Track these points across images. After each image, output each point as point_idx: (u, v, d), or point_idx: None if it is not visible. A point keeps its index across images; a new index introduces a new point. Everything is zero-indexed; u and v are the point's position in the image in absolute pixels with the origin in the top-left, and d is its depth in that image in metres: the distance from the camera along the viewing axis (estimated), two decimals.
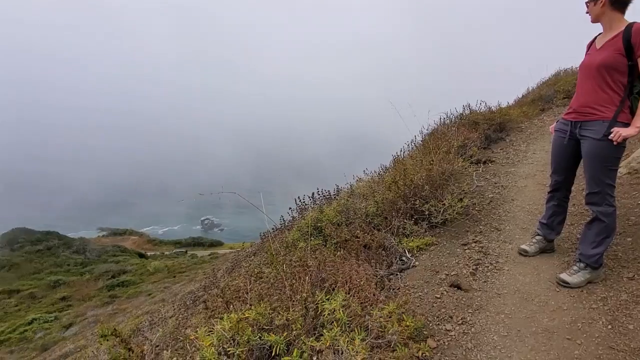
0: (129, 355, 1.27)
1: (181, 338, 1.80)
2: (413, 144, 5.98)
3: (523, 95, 10.25)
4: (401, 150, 5.93)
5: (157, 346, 1.86)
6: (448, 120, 6.60)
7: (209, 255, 42.72)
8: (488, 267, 2.94)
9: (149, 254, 46.36)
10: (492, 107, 7.38)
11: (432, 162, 3.92)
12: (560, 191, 2.89)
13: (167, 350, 1.56)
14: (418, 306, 2.53)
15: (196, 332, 1.63)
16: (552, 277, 2.69)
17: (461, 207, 3.53)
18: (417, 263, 3.07)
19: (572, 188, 2.92)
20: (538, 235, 3.03)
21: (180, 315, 3.32)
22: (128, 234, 58.45)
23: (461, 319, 2.37)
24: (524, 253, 3.01)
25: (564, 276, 2.59)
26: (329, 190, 4.63)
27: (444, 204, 3.52)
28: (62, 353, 11.43)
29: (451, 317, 2.38)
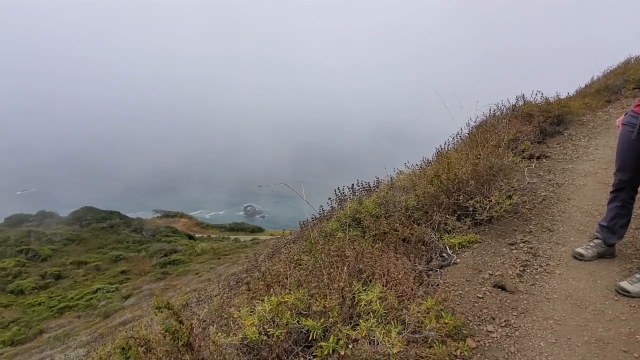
0: (180, 328, 1.38)
1: (225, 316, 1.90)
2: (458, 137, 5.71)
3: (586, 85, 9.32)
4: (445, 143, 5.69)
5: (204, 321, 1.99)
6: (498, 112, 6.20)
7: (251, 240, 44.47)
8: (537, 269, 2.76)
9: (197, 235, 49.28)
10: (550, 98, 6.80)
11: (479, 156, 3.72)
12: (624, 191, 2.62)
13: (213, 326, 1.66)
14: (458, 304, 2.45)
15: (239, 311, 1.71)
16: (611, 285, 2.47)
17: (510, 204, 3.33)
18: (458, 260, 2.97)
19: (639, 188, 2.64)
20: (597, 238, 2.79)
21: (225, 295, 3.52)
22: (179, 217, 62.42)
23: (504, 321, 2.26)
24: (579, 257, 2.78)
25: (625, 284, 2.37)
26: (368, 182, 4.59)
27: (490, 201, 3.35)
28: (121, 321, 12.60)
29: (493, 319, 2.28)
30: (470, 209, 3.40)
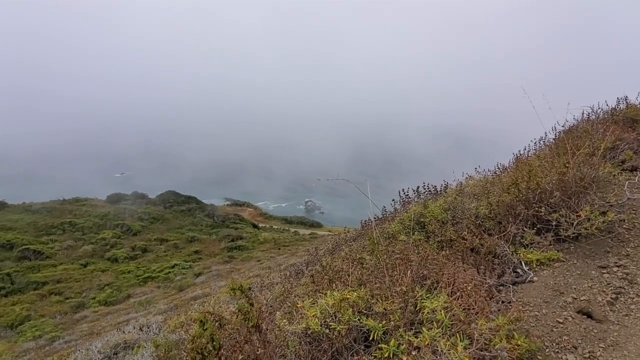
0: (250, 310, 1.46)
1: (289, 304, 1.97)
2: (542, 142, 5.14)
3: None
4: (525, 149, 5.17)
5: (271, 306, 2.08)
6: (594, 116, 5.43)
7: (309, 234, 45.47)
8: (633, 298, 2.38)
9: (260, 225, 51.91)
10: None
11: (567, 165, 3.30)
12: None
13: (279, 312, 1.74)
14: (533, 326, 2.22)
15: (302, 302, 1.76)
16: None
17: (603, 222, 2.91)
18: (535, 278, 2.68)
19: None
20: None
21: (287, 284, 3.66)
22: (246, 206, 66.35)
23: (589, 352, 1.99)
24: None
25: None
26: (435, 186, 4.37)
27: (579, 216, 2.96)
28: (193, 295, 13.84)
29: (575, 348, 2.02)
30: (553, 223, 3.04)
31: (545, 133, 5.28)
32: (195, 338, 1.49)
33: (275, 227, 52.39)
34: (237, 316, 1.50)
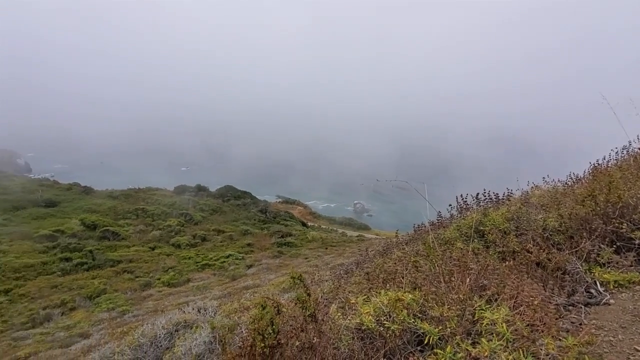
0: (308, 299, 1.52)
1: (342, 300, 2.00)
2: (625, 152, 4.58)
3: None
4: (604, 159, 4.64)
5: (326, 299, 2.13)
6: None
7: (357, 236, 45.14)
8: None
9: (309, 224, 52.75)
10: None
11: None
12: None
13: (334, 305, 1.77)
14: (607, 352, 1.99)
15: (356, 298, 1.78)
16: None
17: None
18: (612, 301, 2.40)
19: None
20: None
21: (336, 282, 3.71)
22: (296, 204, 67.85)
23: None
24: None
25: None
26: (497, 194, 4.10)
27: None
28: (244, 285, 14.53)
29: None
30: (637, 241, 2.70)
31: (629, 142, 4.70)
32: (256, 320, 1.58)
33: (324, 226, 52.85)
34: (295, 304, 1.57)
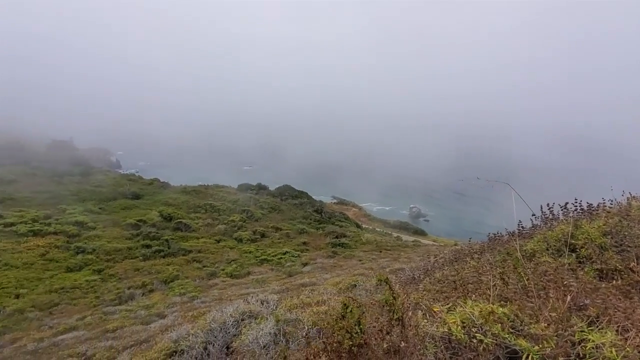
0: (394, 302, 1.51)
1: (424, 306, 1.94)
2: None
3: None
4: None
5: (409, 304, 2.10)
6: None
7: (413, 241, 43.57)
8: None
9: (363, 226, 52.27)
10: None
11: None
12: None
13: (420, 311, 1.74)
14: None
15: (440, 306, 1.72)
16: None
17: None
18: None
19: None
20: None
21: (404, 288, 3.62)
22: (351, 205, 67.72)
23: None
24: None
25: None
26: (590, 204, 3.66)
27: None
28: (301, 282, 14.88)
29: None
30: None
31: None
32: (339, 318, 1.60)
33: (378, 229, 51.99)
34: (382, 307, 1.56)
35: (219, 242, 28.63)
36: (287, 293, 11.38)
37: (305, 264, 24.95)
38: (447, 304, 1.85)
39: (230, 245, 28.41)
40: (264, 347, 5.20)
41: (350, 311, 1.63)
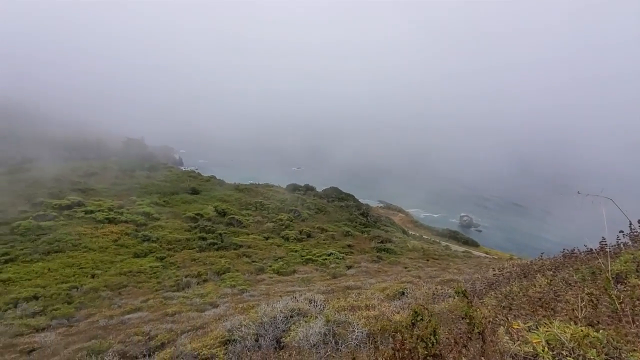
0: (475, 315, 1.43)
1: (501, 322, 1.82)
2: None
3: None
4: None
5: (490, 321, 1.99)
6: None
7: (463, 251, 41.22)
8: None
9: (410, 232, 50.65)
10: None
11: None
12: None
13: (502, 328, 1.63)
14: None
15: (521, 323, 1.60)
16: None
17: None
18: None
19: None
20: None
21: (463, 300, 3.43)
22: (397, 211, 66.03)
23: None
24: None
25: None
26: None
27: None
28: (346, 285, 14.82)
29: None
30: None
31: None
32: (415, 326, 1.56)
33: (425, 236, 50.08)
34: (453, 317, 1.50)
35: (267, 239, 29.60)
36: (333, 294, 11.39)
37: (349, 267, 24.81)
38: (526, 322, 1.71)
39: (278, 243, 29.21)
40: (314, 345, 5.26)
41: (421, 319, 1.58)
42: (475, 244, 52.48)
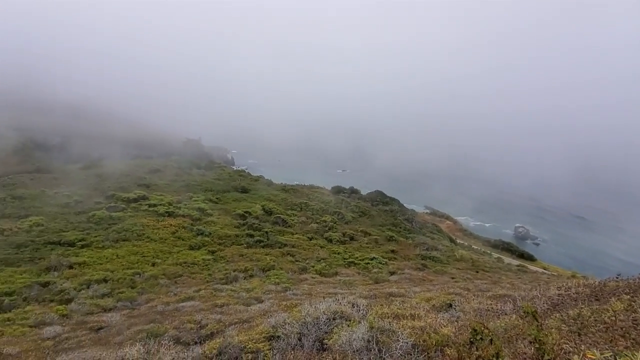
0: (546, 340, 1.31)
1: (570, 349, 1.65)
2: None
3: None
4: None
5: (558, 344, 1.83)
6: None
7: (517, 265, 38.15)
8: None
9: (458, 241, 48.07)
10: None
11: None
12: None
13: (575, 356, 1.48)
14: None
15: (597, 354, 1.43)
16: None
17: None
18: None
19: None
20: None
21: (519, 319, 3.14)
22: (445, 218, 63.02)
23: None
24: None
25: None
26: None
27: None
28: (389, 291, 14.47)
29: None
30: None
31: None
32: (473, 344, 1.47)
33: (475, 247, 47.20)
34: (532, 344, 1.38)
35: (310, 239, 29.95)
36: (376, 300, 11.18)
37: (392, 273, 24.20)
38: (603, 352, 1.53)
39: (321, 244, 29.41)
40: (357, 351, 5.21)
41: (481, 338, 1.49)
42: (531, 258, 48.37)
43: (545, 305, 3.71)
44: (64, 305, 14.40)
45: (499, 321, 3.10)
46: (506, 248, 49.73)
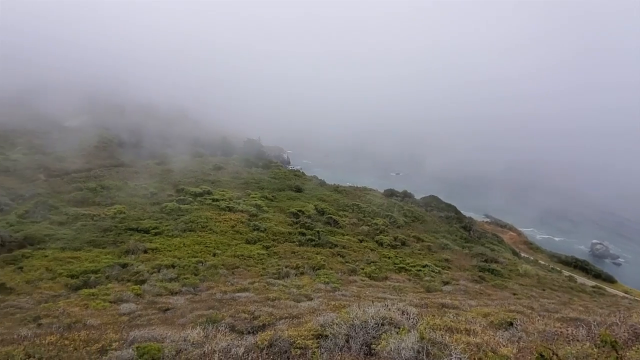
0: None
1: None
2: None
3: None
4: None
5: None
6: None
7: (592, 287, 33.71)
8: None
9: (522, 254, 43.92)
10: None
11: None
12: None
13: None
14: None
15: None
16: None
17: None
18: None
19: None
20: None
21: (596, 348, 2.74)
22: (507, 228, 58.04)
23: None
24: None
25: None
26: None
27: None
28: (442, 302, 13.74)
29: None
30: None
31: None
32: None
33: (542, 262, 42.71)
34: None
35: (361, 241, 29.69)
36: (427, 309, 10.69)
37: (445, 283, 22.95)
38: None
39: (371, 247, 29.00)
40: None
41: None
42: (610, 279, 42.44)
43: (626, 334, 3.19)
44: (138, 286, 16.13)
45: (569, 347, 2.76)
46: (580, 266, 44.29)
